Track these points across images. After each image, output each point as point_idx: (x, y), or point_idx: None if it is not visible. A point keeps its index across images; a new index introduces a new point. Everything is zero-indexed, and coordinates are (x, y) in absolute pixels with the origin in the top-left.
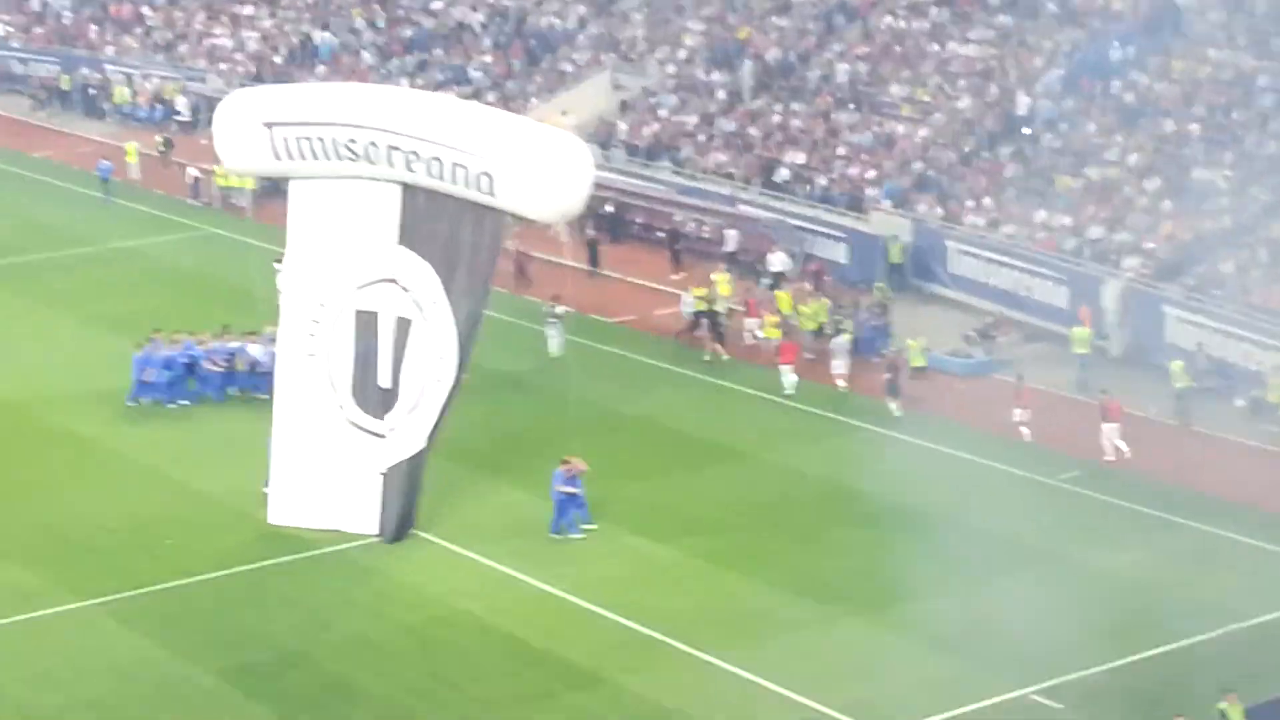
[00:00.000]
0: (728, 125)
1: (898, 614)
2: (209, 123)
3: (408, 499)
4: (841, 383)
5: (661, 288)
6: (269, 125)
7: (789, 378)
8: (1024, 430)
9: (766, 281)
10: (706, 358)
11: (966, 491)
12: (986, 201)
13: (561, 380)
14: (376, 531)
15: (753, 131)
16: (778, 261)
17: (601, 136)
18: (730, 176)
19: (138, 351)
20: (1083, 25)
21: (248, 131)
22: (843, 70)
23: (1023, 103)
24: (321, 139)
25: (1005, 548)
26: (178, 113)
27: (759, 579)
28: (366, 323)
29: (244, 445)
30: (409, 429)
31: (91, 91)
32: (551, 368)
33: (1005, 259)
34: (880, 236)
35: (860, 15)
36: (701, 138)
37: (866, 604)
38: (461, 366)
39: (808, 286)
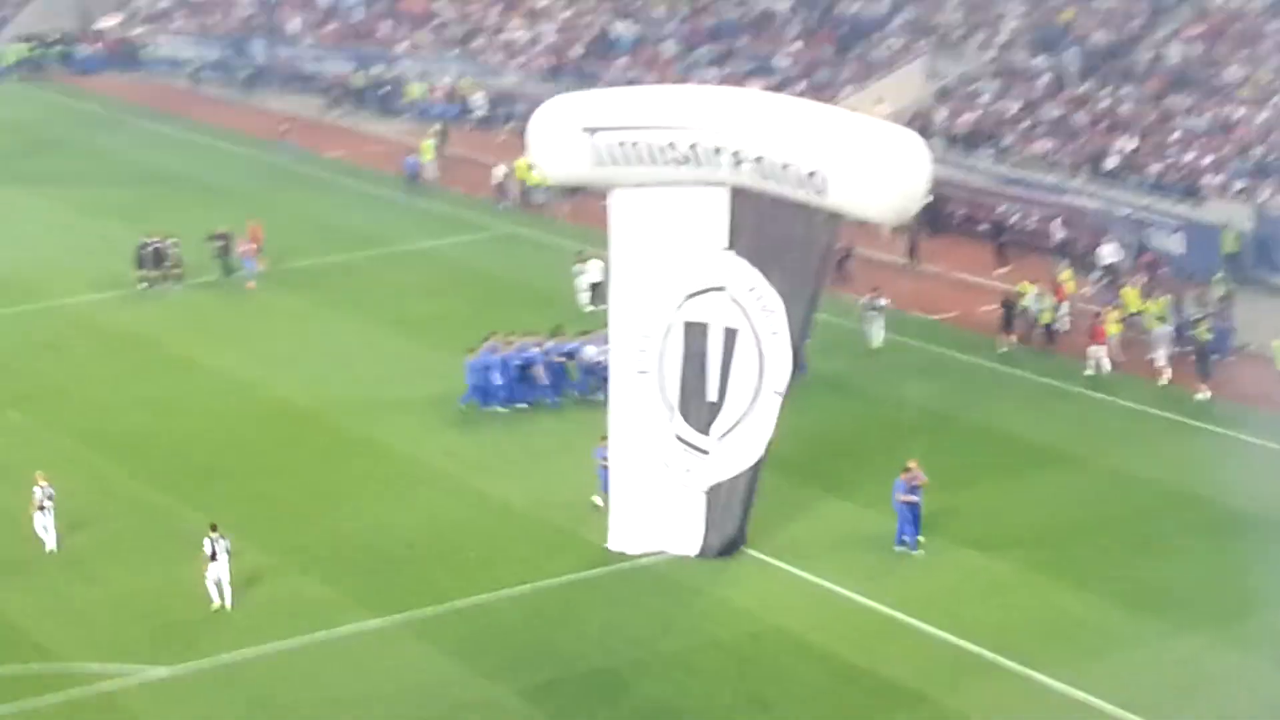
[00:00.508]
0: (1052, 112)
1: (1243, 628)
2: (505, 119)
3: (735, 518)
4: (1164, 377)
5: (985, 282)
6: (589, 130)
7: (1103, 362)
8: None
9: (1096, 274)
10: (1002, 349)
11: None
12: None
13: (882, 381)
14: (698, 552)
15: (1079, 118)
16: (1109, 253)
17: (919, 125)
18: (1056, 165)
19: (471, 356)
20: None
21: (567, 137)
22: (1175, 51)
23: None
24: (644, 143)
25: None
26: (473, 109)
27: (1092, 591)
28: (696, 334)
29: (547, 453)
30: (735, 444)
31: (384, 90)
32: (872, 367)
33: None
34: (1217, 226)
35: None
36: (1025, 125)
37: (1208, 618)
38: (794, 373)
39: (1143, 279)
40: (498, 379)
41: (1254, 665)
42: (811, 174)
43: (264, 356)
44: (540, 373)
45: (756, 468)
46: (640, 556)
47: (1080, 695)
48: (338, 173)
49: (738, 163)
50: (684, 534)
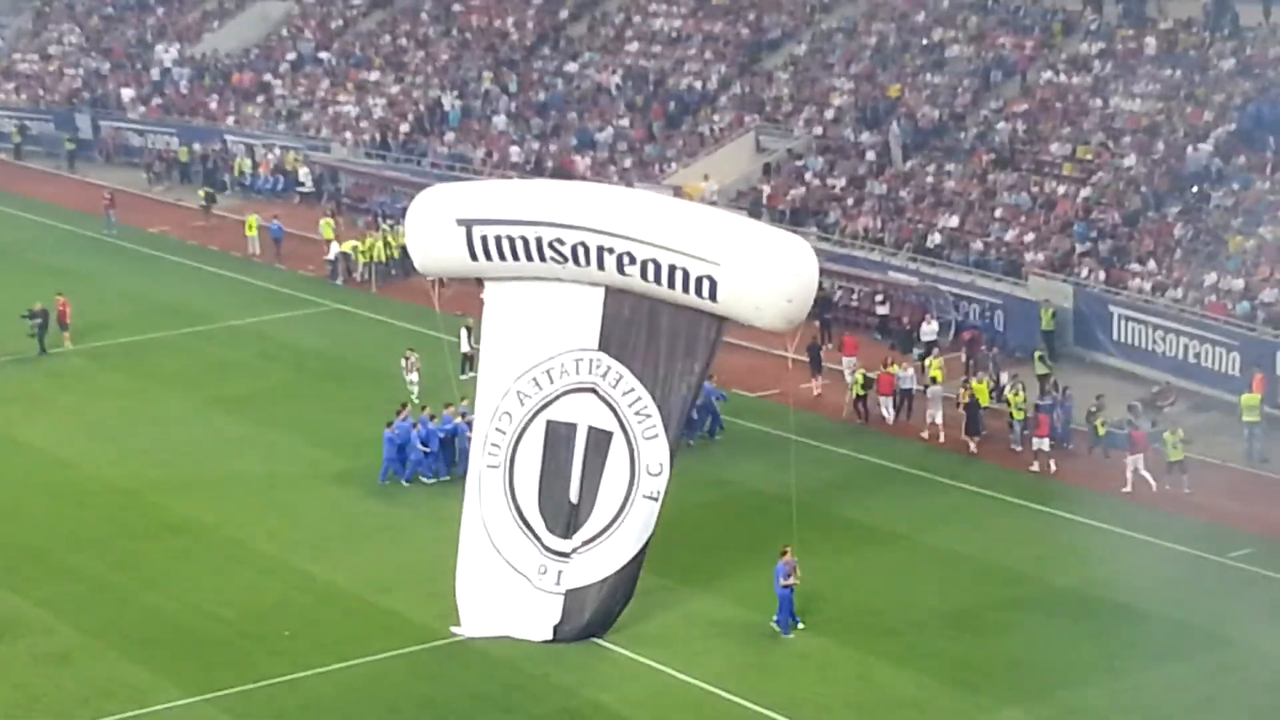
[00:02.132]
0: (878, 188)
1: (1059, 703)
2: (331, 194)
3: (591, 613)
4: (938, 434)
5: (805, 359)
6: (466, 223)
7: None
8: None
9: (919, 351)
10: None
11: (1129, 570)
12: (1152, 264)
13: (705, 461)
14: (549, 639)
15: (904, 194)
16: (930, 331)
17: (746, 201)
18: (880, 242)
19: (389, 429)
20: (1255, 77)
21: (443, 230)
22: (1000, 129)
23: (1191, 159)
24: (526, 238)
25: (1171, 631)
26: (300, 183)
27: (911, 667)
28: (560, 434)
29: (371, 533)
30: (602, 550)
31: (210, 164)
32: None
33: (1173, 324)
34: (1036, 303)
35: (1018, 70)
36: (850, 201)
37: (1025, 693)
38: (668, 483)
39: (962, 357)
40: (422, 450)
41: None
42: (702, 279)
43: (83, 433)
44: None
45: (627, 571)
46: (448, 631)
47: None
48: (162, 248)
49: (623, 264)
50: (535, 623)
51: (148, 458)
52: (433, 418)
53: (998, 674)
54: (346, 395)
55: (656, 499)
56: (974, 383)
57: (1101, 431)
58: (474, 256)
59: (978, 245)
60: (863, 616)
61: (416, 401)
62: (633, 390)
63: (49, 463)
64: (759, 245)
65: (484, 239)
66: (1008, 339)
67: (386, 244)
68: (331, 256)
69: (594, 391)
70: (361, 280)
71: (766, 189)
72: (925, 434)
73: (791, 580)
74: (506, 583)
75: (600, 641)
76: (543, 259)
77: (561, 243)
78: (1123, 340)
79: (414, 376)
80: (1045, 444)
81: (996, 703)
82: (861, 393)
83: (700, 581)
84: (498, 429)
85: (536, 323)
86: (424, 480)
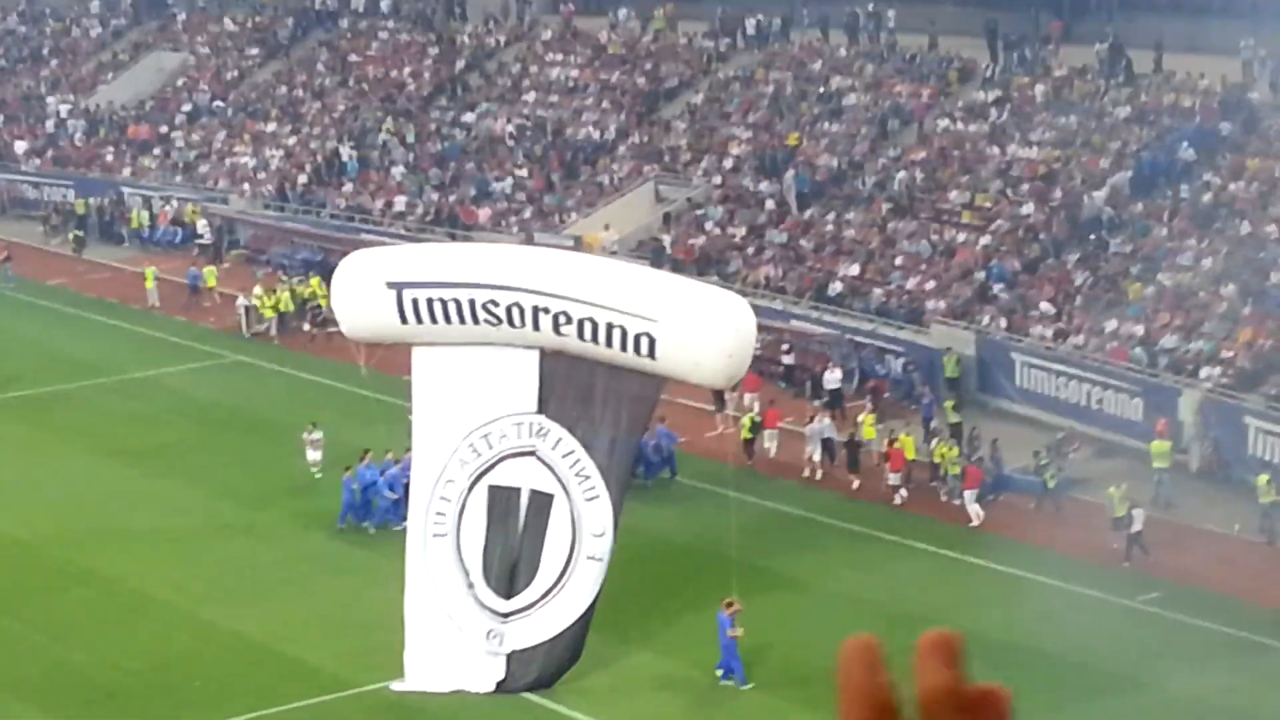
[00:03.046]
0: (778, 237)
1: None
2: (230, 246)
3: (544, 677)
4: (814, 471)
5: (706, 407)
6: (396, 286)
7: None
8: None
9: (821, 400)
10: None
11: (1039, 616)
12: (1054, 311)
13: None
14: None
15: (804, 242)
16: (832, 379)
17: (646, 250)
18: (782, 291)
19: (348, 473)
20: (1151, 124)
21: (370, 293)
22: (898, 177)
23: (1089, 207)
24: (459, 300)
25: (1084, 674)
26: (199, 235)
27: (822, 712)
28: (502, 499)
29: (276, 584)
30: (545, 612)
31: (107, 217)
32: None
33: (1075, 371)
34: (939, 350)
35: (916, 119)
36: (751, 250)
37: None
38: (614, 544)
39: (868, 404)
40: (390, 495)
41: None
42: (640, 336)
43: None
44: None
45: (572, 632)
46: (360, 680)
47: None
48: (60, 300)
49: (559, 324)
50: (478, 680)
51: (49, 510)
52: (397, 462)
53: None
54: (250, 448)
55: (600, 560)
56: (902, 435)
57: (1051, 484)
58: (404, 320)
59: (878, 293)
60: (774, 662)
61: (319, 477)
62: (572, 452)
63: None
64: (696, 301)
65: (414, 301)
66: (910, 387)
67: (292, 295)
68: (248, 305)
69: (534, 454)
70: (266, 333)
71: (667, 238)
72: (806, 472)
73: (736, 631)
74: (453, 646)
75: (529, 696)
76: (476, 321)
77: (495, 304)
78: (1026, 386)
79: (316, 455)
80: (972, 495)
81: None
82: (749, 435)
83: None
84: (442, 497)
85: (471, 388)
86: (393, 527)
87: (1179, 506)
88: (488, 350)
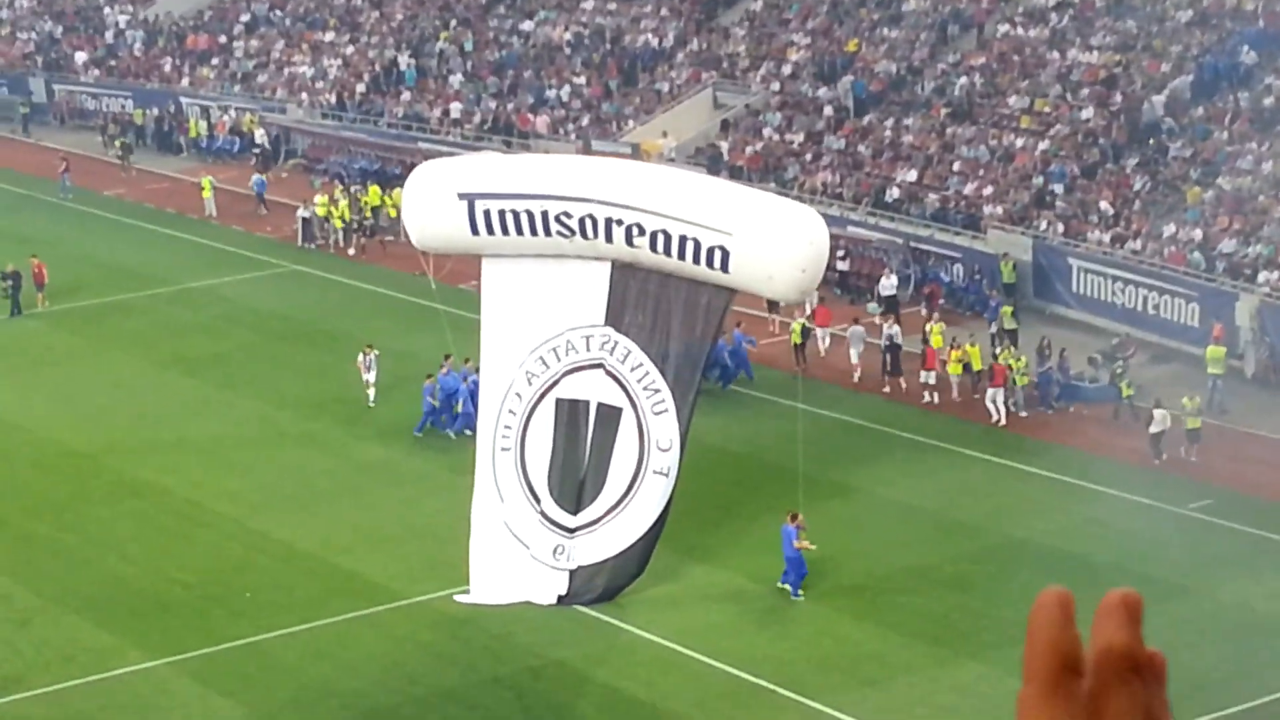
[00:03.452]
0: (836, 143)
1: (1016, 655)
2: (288, 154)
3: (605, 593)
4: (856, 374)
5: (760, 314)
6: (468, 197)
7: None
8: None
9: (876, 307)
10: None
11: (1091, 523)
12: (1111, 215)
13: None
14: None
15: (862, 149)
16: (889, 285)
17: (704, 157)
18: (839, 197)
19: (429, 381)
20: (1213, 27)
21: (442, 204)
22: (958, 83)
23: (1149, 111)
24: (531, 212)
25: (1132, 582)
26: (257, 145)
27: (870, 620)
28: (570, 412)
29: (329, 495)
30: (610, 528)
31: (166, 127)
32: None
33: (1132, 276)
34: (996, 256)
35: (976, 24)
36: (808, 157)
37: (985, 645)
38: (681, 457)
39: (923, 311)
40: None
41: None
42: (714, 250)
43: (41, 396)
44: None
45: (638, 548)
46: (412, 591)
47: None
48: (117, 211)
49: (632, 236)
50: (540, 593)
51: (105, 421)
52: (478, 370)
53: (959, 627)
54: (307, 357)
55: (667, 474)
56: (967, 345)
57: (1128, 392)
58: (475, 231)
59: (936, 199)
60: (823, 572)
61: (373, 406)
62: (641, 365)
63: (6, 426)
64: (771, 215)
65: (487, 213)
66: (967, 293)
67: (356, 204)
68: (306, 215)
69: (602, 367)
70: (327, 242)
71: (725, 145)
72: (855, 376)
73: (804, 543)
74: (519, 561)
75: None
76: (549, 233)
77: (569, 215)
78: (1082, 292)
79: (371, 376)
80: (1000, 395)
81: (958, 655)
82: (799, 340)
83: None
84: (509, 410)
85: (540, 300)
86: (469, 433)
87: (1232, 412)
88: (558, 262)
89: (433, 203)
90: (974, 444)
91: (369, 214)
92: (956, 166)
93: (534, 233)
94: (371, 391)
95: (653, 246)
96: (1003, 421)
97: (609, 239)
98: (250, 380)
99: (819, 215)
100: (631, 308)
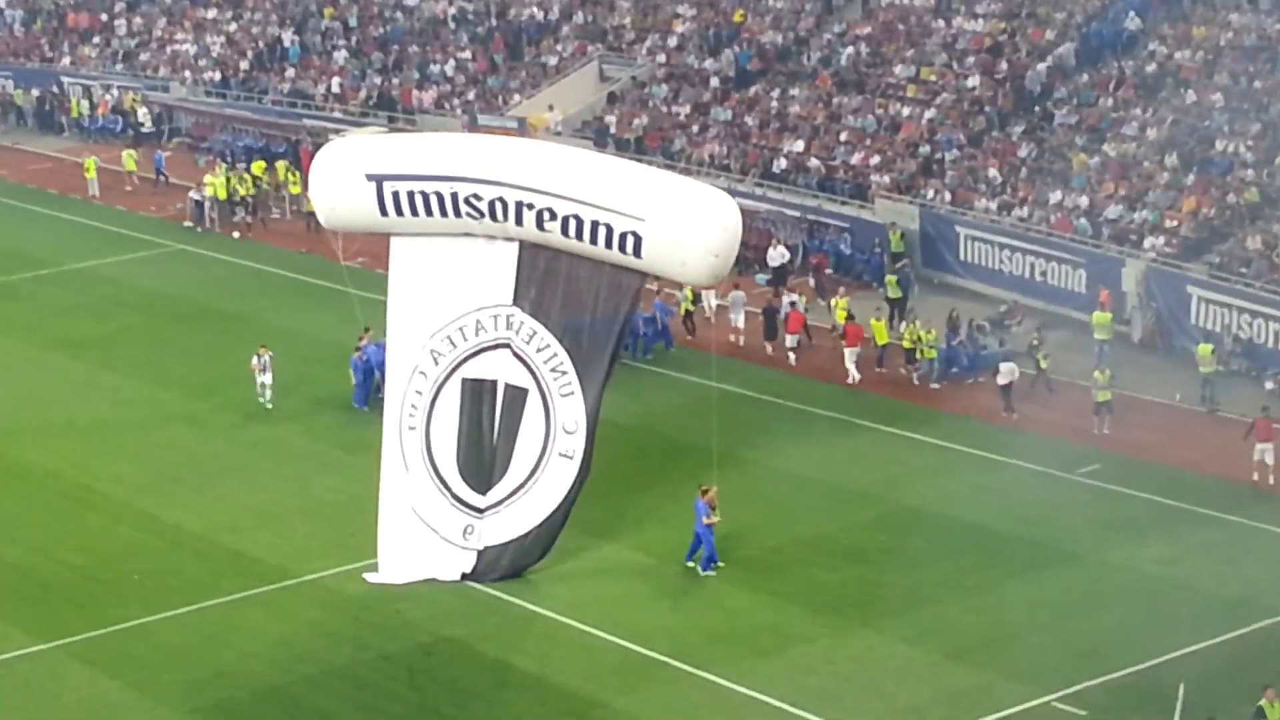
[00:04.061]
0: (723, 114)
1: (914, 622)
2: (171, 134)
3: (508, 573)
4: (738, 337)
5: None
6: (376, 178)
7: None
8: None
9: (764, 277)
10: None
11: (981, 490)
12: (999, 184)
13: None
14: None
15: (749, 120)
16: (777, 256)
17: (590, 130)
18: (726, 168)
19: (356, 355)
20: None
21: (350, 185)
22: (844, 53)
23: (1034, 79)
24: (441, 194)
25: (1023, 548)
26: (139, 124)
27: (762, 592)
28: (476, 392)
29: (217, 475)
30: (517, 508)
31: (47, 107)
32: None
33: (1019, 243)
34: (883, 225)
35: None
36: (695, 128)
37: (880, 613)
38: (590, 440)
39: (810, 281)
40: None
41: (925, 658)
42: (626, 235)
43: None
44: None
45: (543, 529)
46: (300, 570)
47: (752, 694)
48: (0, 192)
49: (543, 222)
50: (446, 570)
51: None
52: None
53: (854, 595)
54: (193, 338)
55: (573, 457)
56: (873, 321)
57: (1044, 365)
58: (384, 212)
59: (823, 169)
60: (719, 545)
61: (270, 408)
62: (548, 346)
63: None
64: (683, 200)
65: (396, 194)
66: (854, 263)
67: (242, 181)
68: (198, 197)
69: (509, 348)
70: (217, 221)
71: (612, 118)
72: (731, 338)
73: (713, 518)
74: (426, 541)
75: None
76: (458, 214)
77: (478, 198)
78: (970, 260)
79: (267, 379)
80: (854, 354)
81: (854, 624)
82: (689, 308)
83: None
84: (416, 390)
85: (448, 279)
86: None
87: (1120, 378)
88: (466, 241)
89: (341, 183)
90: (864, 414)
91: (253, 190)
92: (844, 136)
93: (444, 214)
94: (268, 393)
95: (564, 231)
96: (858, 379)
97: (519, 222)
98: (137, 362)
99: (732, 199)
100: (539, 288)
